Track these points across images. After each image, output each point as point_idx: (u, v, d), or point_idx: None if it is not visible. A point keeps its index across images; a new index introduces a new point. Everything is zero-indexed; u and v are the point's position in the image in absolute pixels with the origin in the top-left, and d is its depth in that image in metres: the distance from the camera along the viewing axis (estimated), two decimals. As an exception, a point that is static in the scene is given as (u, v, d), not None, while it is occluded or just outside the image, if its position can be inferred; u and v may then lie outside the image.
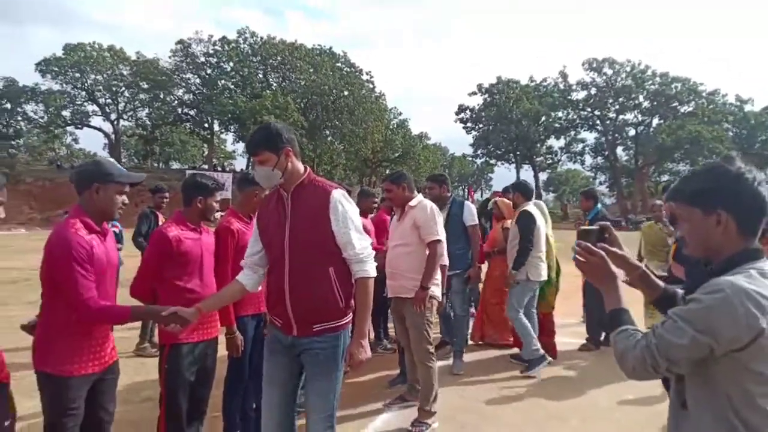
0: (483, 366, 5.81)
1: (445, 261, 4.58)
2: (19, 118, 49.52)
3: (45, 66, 47.82)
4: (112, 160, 3.32)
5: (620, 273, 1.65)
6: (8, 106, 48.68)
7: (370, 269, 2.63)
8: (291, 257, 2.60)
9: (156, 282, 3.16)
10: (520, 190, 6.23)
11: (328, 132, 52.37)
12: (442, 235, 4.35)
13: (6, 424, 2.21)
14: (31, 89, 47.68)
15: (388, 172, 46.88)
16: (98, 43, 49.97)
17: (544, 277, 5.76)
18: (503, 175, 60.53)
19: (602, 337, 6.51)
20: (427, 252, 4.28)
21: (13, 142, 50.52)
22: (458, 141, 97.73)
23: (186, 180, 3.42)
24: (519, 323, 5.62)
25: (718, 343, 1.36)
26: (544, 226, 5.94)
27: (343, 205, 2.60)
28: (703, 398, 1.45)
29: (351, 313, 2.70)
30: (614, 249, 1.70)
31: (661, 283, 1.73)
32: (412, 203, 4.44)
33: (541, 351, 5.57)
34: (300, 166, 2.69)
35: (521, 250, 5.61)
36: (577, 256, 1.66)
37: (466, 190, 56.29)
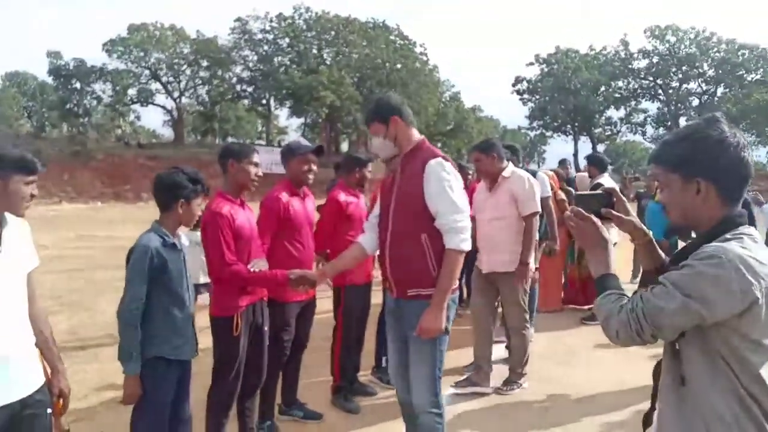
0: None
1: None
2: (88, 98, 51.67)
3: (111, 46, 49.43)
4: (299, 139, 3.84)
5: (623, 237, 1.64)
6: (78, 86, 50.79)
7: (459, 242, 2.59)
8: (393, 222, 2.72)
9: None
10: (594, 163, 6.72)
11: (381, 106, 52.49)
12: (539, 207, 4.33)
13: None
14: (99, 69, 49.49)
15: (439, 145, 47.05)
16: (160, 22, 51.34)
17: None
18: (559, 147, 59.48)
19: None
20: (524, 225, 4.22)
21: (83, 120, 52.81)
22: (512, 113, 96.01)
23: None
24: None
25: (709, 311, 1.32)
26: None
27: (438, 172, 2.63)
28: (704, 372, 1.39)
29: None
30: (619, 214, 1.66)
31: (663, 255, 1.70)
32: (505, 174, 4.27)
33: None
34: (412, 134, 2.78)
35: None
36: (567, 221, 1.64)
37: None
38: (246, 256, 3.03)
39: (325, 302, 4.50)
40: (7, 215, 2.02)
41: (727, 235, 1.39)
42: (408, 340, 2.73)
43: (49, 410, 2.11)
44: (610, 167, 7.35)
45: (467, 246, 2.63)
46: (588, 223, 1.60)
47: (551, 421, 3.93)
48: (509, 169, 4.33)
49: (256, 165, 3.15)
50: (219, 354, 2.98)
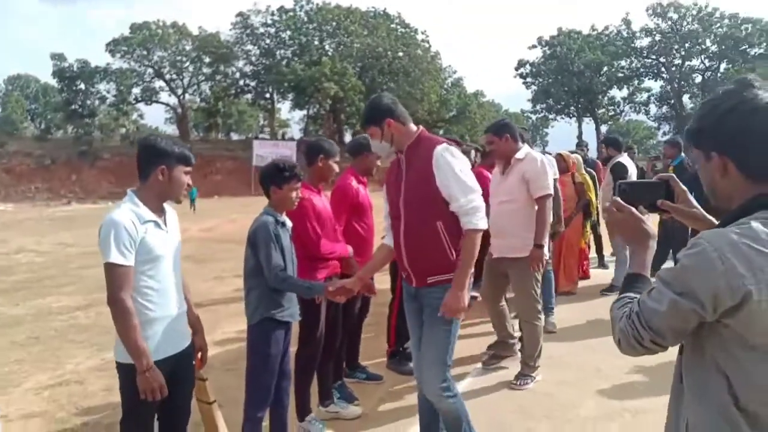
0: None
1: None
2: (93, 98, 52.06)
3: (114, 46, 49.72)
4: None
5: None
6: (82, 86, 51.16)
7: (477, 221, 2.67)
8: (405, 214, 2.79)
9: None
10: (612, 144, 7.27)
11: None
12: (551, 189, 4.21)
13: None
14: (104, 69, 49.81)
15: (441, 132, 47.22)
16: (162, 20, 51.56)
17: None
18: (563, 129, 59.54)
19: None
20: (536, 207, 4.10)
21: (88, 121, 53.24)
22: (515, 97, 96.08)
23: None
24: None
25: (703, 308, 1.14)
26: (635, 174, 6.90)
27: (446, 158, 2.70)
28: (697, 377, 1.24)
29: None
30: (679, 206, 1.48)
31: None
32: (518, 155, 4.15)
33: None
34: (408, 129, 2.87)
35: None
36: (605, 213, 1.51)
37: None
38: (329, 236, 3.47)
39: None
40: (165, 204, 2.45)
41: (744, 219, 1.19)
42: (424, 326, 2.83)
43: (193, 361, 2.55)
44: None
45: (484, 224, 2.71)
46: (628, 215, 1.42)
47: (567, 407, 3.83)
48: (523, 150, 4.19)
49: (337, 162, 3.59)
50: (306, 321, 3.38)
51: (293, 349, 3.30)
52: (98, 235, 2.26)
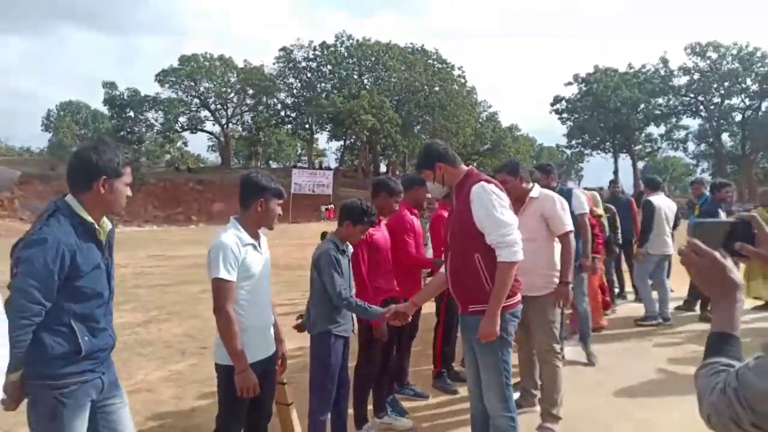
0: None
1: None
2: (142, 125, 54.29)
3: (163, 76, 52.11)
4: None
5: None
6: (131, 114, 53.52)
7: (507, 254, 2.84)
8: (451, 246, 3.07)
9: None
10: (647, 185, 7.89)
11: (419, 128, 53.72)
12: (572, 225, 4.23)
13: None
14: (153, 98, 52.11)
15: (475, 165, 47.44)
16: (209, 53, 53.86)
17: (664, 252, 7.21)
18: (599, 164, 59.36)
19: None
20: (560, 245, 4.14)
21: (135, 147, 55.42)
22: (549, 132, 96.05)
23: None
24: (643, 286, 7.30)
25: None
26: (666, 211, 7.29)
27: (480, 195, 2.92)
28: None
29: (512, 298, 2.99)
30: (761, 250, 1.26)
31: None
32: (533, 194, 4.17)
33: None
34: (458, 170, 3.13)
35: (643, 231, 7.10)
36: (682, 256, 1.28)
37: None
38: (383, 265, 3.88)
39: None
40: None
41: None
42: (476, 353, 3.02)
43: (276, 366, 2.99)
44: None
45: (519, 257, 2.88)
46: (710, 259, 1.22)
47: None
48: (536, 189, 4.23)
49: (398, 202, 4.05)
50: (367, 339, 3.78)
51: (352, 364, 3.70)
52: (208, 254, 2.72)
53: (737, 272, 1.21)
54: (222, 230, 2.82)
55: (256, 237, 2.86)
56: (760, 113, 52.77)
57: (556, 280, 4.08)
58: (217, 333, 2.74)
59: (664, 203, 7.38)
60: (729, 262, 1.23)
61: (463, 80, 55.20)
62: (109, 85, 52.64)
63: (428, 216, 5.51)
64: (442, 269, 3.30)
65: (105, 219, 2.37)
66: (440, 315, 4.91)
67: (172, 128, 54.12)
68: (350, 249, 3.51)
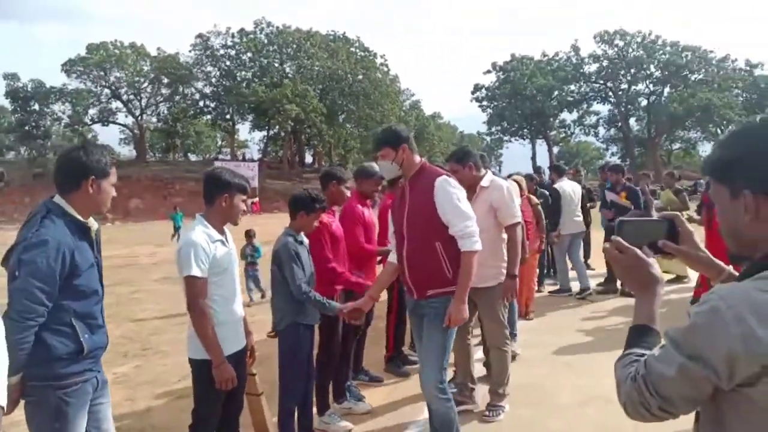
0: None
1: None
2: (48, 119, 51.09)
3: (70, 66, 49.11)
4: (371, 164, 4.55)
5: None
6: (36, 107, 50.25)
7: (472, 244, 3.03)
8: (408, 235, 3.14)
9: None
10: (554, 170, 8.93)
11: (343, 116, 53.67)
12: (520, 217, 4.22)
13: None
14: (59, 90, 49.13)
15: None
16: (119, 40, 51.21)
17: (575, 230, 8.04)
18: (517, 150, 61.32)
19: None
20: (506, 236, 4.10)
21: (42, 142, 52.14)
22: (471, 119, 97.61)
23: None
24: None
25: (717, 375, 1.00)
26: (572, 194, 8.06)
27: (446, 189, 3.05)
28: None
29: None
30: (684, 248, 1.33)
31: None
32: (483, 183, 4.11)
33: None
34: (416, 159, 3.21)
35: (554, 214, 7.78)
36: (606, 253, 1.32)
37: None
38: (342, 254, 3.98)
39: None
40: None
41: None
42: (423, 332, 3.14)
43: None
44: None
45: (479, 246, 3.07)
46: (632, 257, 1.26)
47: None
48: (487, 177, 4.18)
49: (348, 188, 4.13)
50: (325, 329, 3.85)
51: (315, 352, 3.78)
52: (177, 253, 2.73)
53: (658, 268, 1.26)
54: (189, 228, 2.83)
55: (222, 232, 2.88)
56: (662, 98, 56.45)
57: (504, 272, 4.07)
58: (190, 329, 2.76)
59: (569, 187, 8.16)
60: (651, 259, 1.27)
61: (386, 68, 55.52)
62: (11, 77, 49.07)
63: (378, 206, 5.61)
64: (390, 258, 3.37)
65: (92, 219, 2.37)
66: (392, 302, 5.06)
67: (81, 121, 51.24)
68: (306, 240, 3.57)
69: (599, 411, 4.01)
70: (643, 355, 1.15)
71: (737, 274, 1.21)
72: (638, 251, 1.26)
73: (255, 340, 3.18)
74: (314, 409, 3.83)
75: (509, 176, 6.62)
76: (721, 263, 1.35)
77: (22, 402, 2.19)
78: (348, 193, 4.16)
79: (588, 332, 6.20)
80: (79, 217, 2.28)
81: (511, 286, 4.10)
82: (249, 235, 8.76)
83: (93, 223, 2.37)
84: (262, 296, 8.45)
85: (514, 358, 4.83)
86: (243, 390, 3.02)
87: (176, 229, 20.02)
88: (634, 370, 1.12)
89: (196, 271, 2.67)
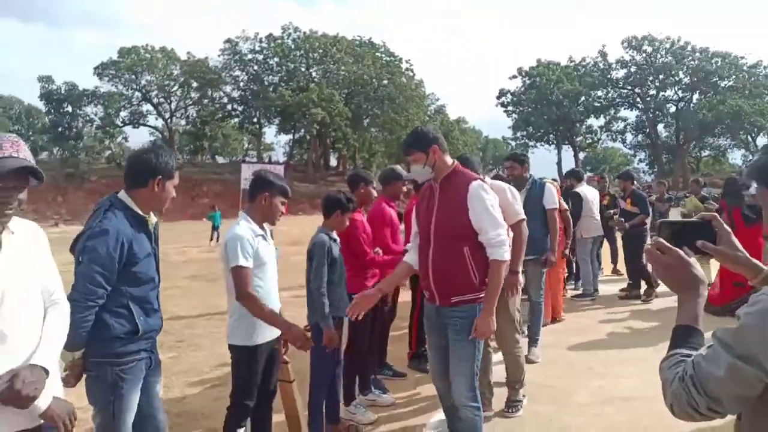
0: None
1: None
2: (80, 120, 52.42)
3: (102, 69, 50.45)
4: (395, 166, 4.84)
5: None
6: (69, 109, 51.61)
7: (501, 253, 2.95)
8: (435, 238, 3.02)
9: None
10: (571, 175, 8.96)
11: (368, 120, 54.04)
12: (524, 214, 4.26)
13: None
14: (92, 92, 50.44)
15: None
16: (150, 45, 52.40)
17: (596, 234, 8.13)
18: (543, 155, 60.94)
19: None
20: (512, 234, 4.01)
21: (73, 143, 53.48)
22: (496, 124, 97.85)
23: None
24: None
25: (766, 374, 1.03)
26: (592, 198, 8.19)
27: (480, 195, 2.96)
28: None
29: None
30: (722, 248, 1.35)
31: None
32: None
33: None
34: (448, 160, 3.10)
35: (574, 217, 7.67)
36: (648, 254, 1.34)
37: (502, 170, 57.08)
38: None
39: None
40: None
41: None
42: (450, 342, 3.03)
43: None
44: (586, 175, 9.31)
45: (508, 256, 3.05)
46: (675, 257, 1.27)
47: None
48: (488, 181, 4.14)
49: (375, 188, 4.31)
50: (354, 324, 4.03)
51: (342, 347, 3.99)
52: (224, 246, 2.96)
53: (700, 269, 1.27)
54: (234, 223, 3.05)
55: (262, 228, 3.10)
56: (691, 104, 55.68)
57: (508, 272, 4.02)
58: (231, 317, 2.99)
59: (589, 192, 8.28)
60: (692, 260, 1.29)
61: (411, 73, 55.82)
62: (45, 80, 50.55)
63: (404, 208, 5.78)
64: (406, 258, 3.29)
65: (152, 214, 2.59)
66: (416, 301, 5.23)
67: (113, 123, 52.45)
68: (338, 238, 3.77)
69: (617, 410, 4.16)
70: (689, 355, 1.17)
71: None
72: (681, 252, 1.28)
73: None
74: (341, 399, 4.04)
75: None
76: (759, 263, 1.37)
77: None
78: (375, 195, 4.37)
79: (608, 335, 6.31)
80: (139, 211, 2.51)
81: (513, 281, 4.03)
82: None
83: (152, 218, 2.58)
84: None
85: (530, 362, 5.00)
86: (276, 377, 3.23)
87: (215, 228, 19.32)
88: (682, 370, 1.14)
89: (243, 262, 2.88)
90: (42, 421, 1.82)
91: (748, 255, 1.36)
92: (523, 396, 4.28)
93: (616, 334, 6.35)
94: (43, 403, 1.77)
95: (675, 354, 1.20)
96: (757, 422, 1.12)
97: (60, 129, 51.06)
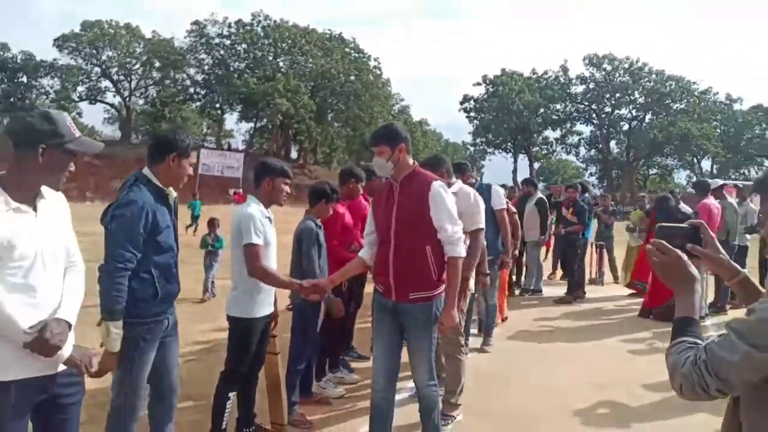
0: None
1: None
2: (35, 92, 50.68)
3: (62, 41, 48.89)
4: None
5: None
6: (24, 79, 49.86)
7: (459, 250, 3.10)
8: (396, 237, 3.10)
9: None
10: (527, 183, 10.07)
11: (332, 115, 54.14)
12: (483, 224, 4.38)
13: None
14: (50, 64, 48.84)
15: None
16: (115, 20, 51.07)
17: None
18: (499, 162, 62.35)
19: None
20: (468, 241, 4.01)
21: (25, 114, 51.54)
22: (458, 127, 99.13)
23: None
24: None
25: None
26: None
27: (441, 193, 3.07)
28: (762, 428, 1.28)
29: (443, 285, 3.15)
30: (706, 251, 1.52)
31: (762, 288, 1.53)
32: (453, 189, 4.04)
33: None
34: (410, 161, 3.19)
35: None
36: (649, 254, 1.49)
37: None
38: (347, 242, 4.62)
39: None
40: None
41: None
42: (411, 336, 3.19)
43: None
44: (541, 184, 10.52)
45: (464, 252, 3.17)
46: (675, 258, 1.44)
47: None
48: (456, 185, 4.38)
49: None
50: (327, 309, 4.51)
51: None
52: (237, 225, 3.27)
53: (694, 267, 1.45)
54: (245, 204, 3.41)
55: (268, 211, 3.45)
56: (644, 124, 58.05)
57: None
58: (232, 291, 3.40)
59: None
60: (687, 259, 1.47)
61: (378, 71, 56.14)
62: (1, 47, 48.66)
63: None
64: (362, 254, 3.41)
65: (171, 188, 2.85)
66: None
67: (68, 97, 50.81)
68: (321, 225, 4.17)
69: (557, 393, 4.78)
70: (695, 342, 1.32)
71: (749, 276, 1.53)
72: (680, 252, 1.45)
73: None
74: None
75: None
76: (737, 266, 1.56)
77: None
78: (360, 192, 4.81)
79: (545, 330, 6.97)
80: (160, 185, 2.76)
81: (485, 281, 4.71)
82: (213, 224, 8.45)
83: (172, 192, 2.85)
84: (213, 295, 8.17)
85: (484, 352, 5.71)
86: (265, 348, 3.63)
87: (194, 218, 17.09)
88: (693, 354, 1.28)
89: (255, 239, 3.23)
90: (64, 367, 2.07)
91: (729, 258, 1.57)
92: (459, 411, 4.14)
93: (558, 330, 7.03)
94: (66, 351, 2.03)
95: (681, 341, 1.34)
96: (757, 405, 1.30)
97: (12, 99, 49.15)
